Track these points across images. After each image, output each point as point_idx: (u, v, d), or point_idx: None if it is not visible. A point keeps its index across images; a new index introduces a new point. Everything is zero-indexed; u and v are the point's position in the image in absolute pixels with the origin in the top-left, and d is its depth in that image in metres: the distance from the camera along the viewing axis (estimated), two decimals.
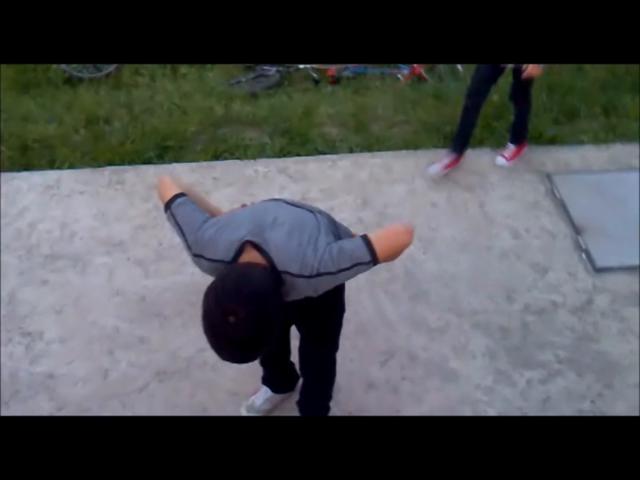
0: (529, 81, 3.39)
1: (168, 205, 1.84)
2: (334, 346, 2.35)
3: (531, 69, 3.21)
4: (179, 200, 1.83)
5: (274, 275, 1.65)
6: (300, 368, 2.47)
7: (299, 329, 2.28)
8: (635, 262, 3.25)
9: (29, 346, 2.89)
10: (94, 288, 3.13)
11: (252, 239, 1.69)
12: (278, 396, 2.67)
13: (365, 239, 1.70)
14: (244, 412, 2.64)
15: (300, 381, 2.55)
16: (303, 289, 1.70)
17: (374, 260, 1.68)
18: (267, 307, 1.55)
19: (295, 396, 2.62)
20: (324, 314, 2.16)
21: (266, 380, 2.65)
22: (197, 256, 1.77)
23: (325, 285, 1.72)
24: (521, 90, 3.50)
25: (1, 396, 2.72)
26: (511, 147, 3.81)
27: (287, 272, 1.67)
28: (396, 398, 2.76)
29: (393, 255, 1.76)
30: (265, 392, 2.64)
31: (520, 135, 3.78)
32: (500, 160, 3.80)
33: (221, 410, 2.70)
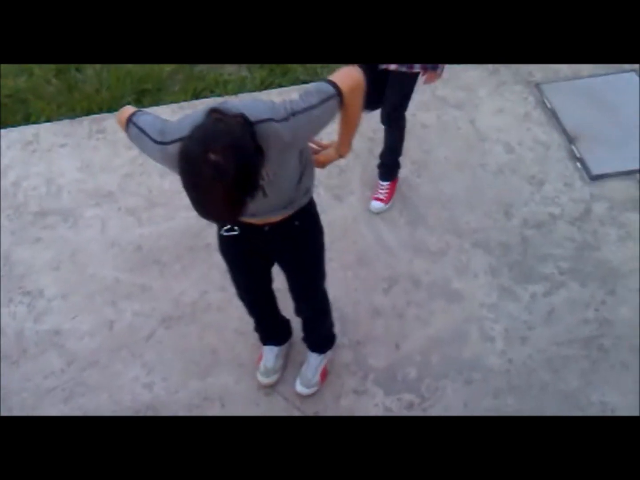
0: (409, 95, 2.78)
1: (129, 119, 1.80)
2: (322, 273, 2.33)
3: (431, 76, 2.63)
4: (139, 112, 1.82)
5: (247, 126, 1.60)
6: (296, 308, 2.46)
7: (284, 267, 2.27)
8: (630, 166, 3.22)
9: (30, 305, 2.87)
10: (89, 241, 3.08)
11: (217, 107, 1.64)
12: (284, 348, 2.65)
13: (323, 78, 1.78)
14: (263, 380, 2.59)
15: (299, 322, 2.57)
16: (282, 136, 1.68)
17: (339, 92, 1.73)
18: (246, 145, 1.53)
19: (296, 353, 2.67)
20: (303, 240, 2.14)
21: (267, 337, 2.62)
22: (162, 143, 1.72)
23: (303, 127, 1.71)
24: (400, 106, 2.85)
25: (10, 356, 2.72)
26: (385, 185, 3.14)
27: (260, 120, 1.65)
28: (403, 323, 2.78)
29: (353, 90, 1.78)
30: (271, 351, 2.61)
31: (394, 170, 3.15)
32: (376, 205, 3.12)
33: (231, 349, 2.72)
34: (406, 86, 2.73)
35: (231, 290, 2.81)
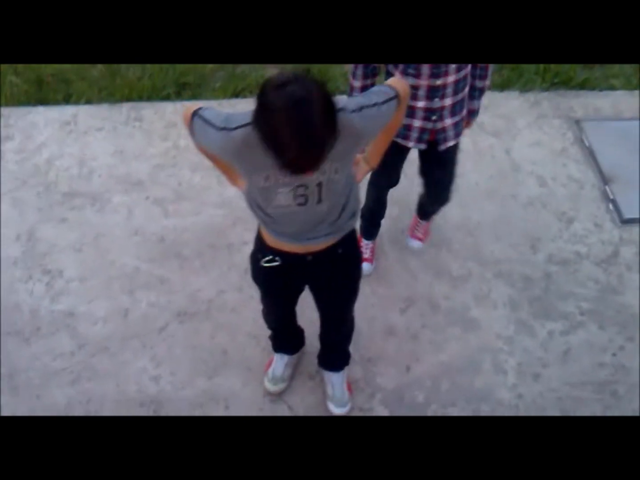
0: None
1: (195, 113, 1.81)
2: (356, 298, 2.31)
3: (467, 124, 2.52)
4: (204, 107, 1.83)
5: None
6: (324, 332, 2.46)
7: (320, 293, 2.25)
8: None
9: (49, 284, 2.89)
10: (113, 227, 3.10)
11: None
12: (294, 357, 2.64)
13: (381, 84, 1.94)
14: (270, 387, 2.58)
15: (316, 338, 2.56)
16: (354, 125, 1.71)
17: (397, 93, 1.84)
18: (329, 91, 1.53)
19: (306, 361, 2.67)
20: (345, 267, 2.12)
21: (280, 346, 2.61)
22: (225, 129, 1.72)
23: (371, 120, 1.77)
24: (451, 183, 2.77)
25: (22, 332, 2.74)
26: (423, 223, 3.07)
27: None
28: (416, 345, 2.75)
29: (405, 97, 1.90)
30: (281, 359, 2.59)
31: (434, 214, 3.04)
32: (415, 244, 3.07)
33: (241, 352, 2.71)
34: (453, 159, 2.64)
35: (247, 292, 2.83)
